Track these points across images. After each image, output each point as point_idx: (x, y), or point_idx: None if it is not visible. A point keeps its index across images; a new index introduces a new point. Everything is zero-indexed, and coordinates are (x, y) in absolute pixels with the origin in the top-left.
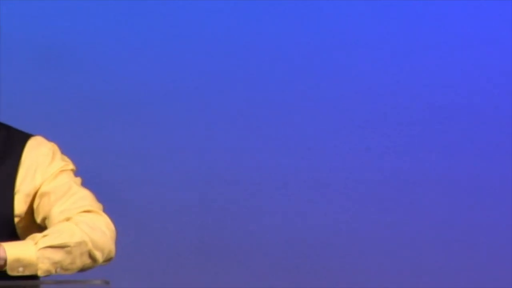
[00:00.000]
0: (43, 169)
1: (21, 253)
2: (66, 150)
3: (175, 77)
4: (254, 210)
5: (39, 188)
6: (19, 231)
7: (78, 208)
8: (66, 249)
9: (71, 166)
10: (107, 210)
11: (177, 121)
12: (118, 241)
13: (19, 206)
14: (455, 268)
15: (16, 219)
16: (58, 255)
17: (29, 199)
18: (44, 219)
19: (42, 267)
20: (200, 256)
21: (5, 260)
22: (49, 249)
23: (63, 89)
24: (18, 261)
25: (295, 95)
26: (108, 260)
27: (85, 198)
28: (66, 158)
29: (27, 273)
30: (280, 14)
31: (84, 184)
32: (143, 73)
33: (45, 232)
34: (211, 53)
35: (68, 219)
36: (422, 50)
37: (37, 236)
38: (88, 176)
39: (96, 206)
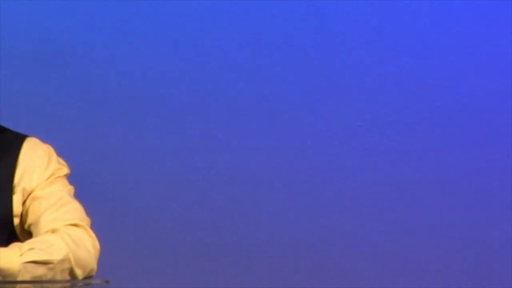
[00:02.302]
0: (39, 172)
1: (5, 264)
2: (66, 150)
3: (175, 77)
4: (254, 210)
5: (33, 190)
6: (17, 231)
7: (67, 220)
8: (49, 265)
9: (65, 170)
10: (107, 210)
11: (177, 121)
12: (118, 241)
13: (17, 206)
14: (455, 268)
15: (15, 219)
16: (40, 270)
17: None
18: (30, 225)
19: (21, 279)
20: (200, 256)
21: None
22: (33, 264)
23: (62, 88)
24: None
25: (295, 94)
26: (87, 277)
27: (76, 211)
28: (61, 160)
29: (5, 279)
30: (280, 13)
31: (84, 184)
32: (143, 73)
33: (31, 244)
34: (211, 53)
35: (54, 231)
36: (423, 50)
37: (23, 247)
38: (88, 176)
39: (85, 221)
